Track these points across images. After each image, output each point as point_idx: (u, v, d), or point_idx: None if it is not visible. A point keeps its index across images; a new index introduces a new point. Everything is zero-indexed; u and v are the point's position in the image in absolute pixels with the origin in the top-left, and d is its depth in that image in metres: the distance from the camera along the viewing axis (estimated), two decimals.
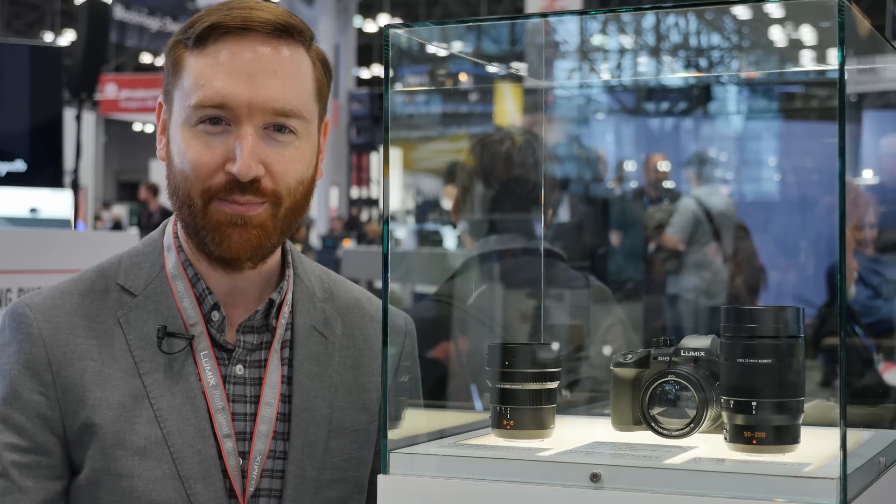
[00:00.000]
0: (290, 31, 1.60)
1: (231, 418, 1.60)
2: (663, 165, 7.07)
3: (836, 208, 1.19)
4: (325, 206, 23.32)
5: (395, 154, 1.45)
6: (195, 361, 1.61)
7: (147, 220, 13.20)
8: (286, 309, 1.67)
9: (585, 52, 1.81)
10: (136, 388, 1.57)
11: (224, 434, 1.59)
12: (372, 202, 25.86)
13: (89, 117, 23.32)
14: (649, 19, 1.57)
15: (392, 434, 1.32)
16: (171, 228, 1.69)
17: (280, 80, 1.57)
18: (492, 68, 1.75)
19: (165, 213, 12.93)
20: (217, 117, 1.57)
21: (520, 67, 1.79)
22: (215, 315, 1.63)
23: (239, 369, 1.63)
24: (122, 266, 1.66)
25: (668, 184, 7.13)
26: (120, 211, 22.14)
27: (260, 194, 1.57)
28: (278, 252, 1.69)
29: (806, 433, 1.28)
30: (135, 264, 1.66)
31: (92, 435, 1.55)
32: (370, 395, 1.70)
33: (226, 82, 1.56)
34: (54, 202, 6.36)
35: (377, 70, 29.74)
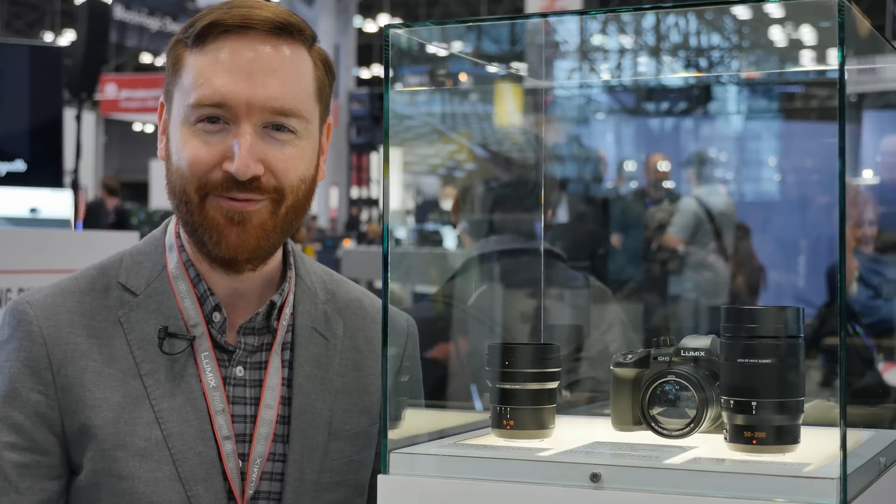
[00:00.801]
0: (291, 30, 1.59)
1: (231, 420, 1.60)
2: (663, 165, 7.07)
3: (830, 207, 1.20)
4: (326, 206, 23.32)
5: (396, 154, 1.44)
6: (196, 362, 1.60)
7: (104, 220, 13.05)
8: (287, 310, 1.66)
9: (585, 52, 1.81)
10: (136, 389, 1.57)
11: (223, 436, 1.58)
12: (372, 202, 25.85)
13: (89, 117, 23.32)
14: (649, 19, 1.57)
15: (392, 434, 1.32)
16: (173, 228, 1.68)
17: (279, 79, 1.56)
18: (492, 68, 1.75)
19: (121, 213, 12.76)
20: (216, 116, 1.56)
21: (520, 67, 1.79)
22: (216, 316, 1.62)
23: (239, 371, 1.62)
24: (124, 264, 1.66)
25: (668, 184, 7.13)
26: None
27: (260, 191, 1.57)
28: (279, 253, 1.67)
29: (806, 433, 1.28)
30: (136, 263, 1.66)
31: (91, 436, 1.55)
32: (371, 397, 1.69)
33: (225, 81, 1.55)
34: (54, 202, 6.36)
35: (377, 70, 29.74)
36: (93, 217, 11.73)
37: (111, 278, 1.64)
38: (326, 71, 1.65)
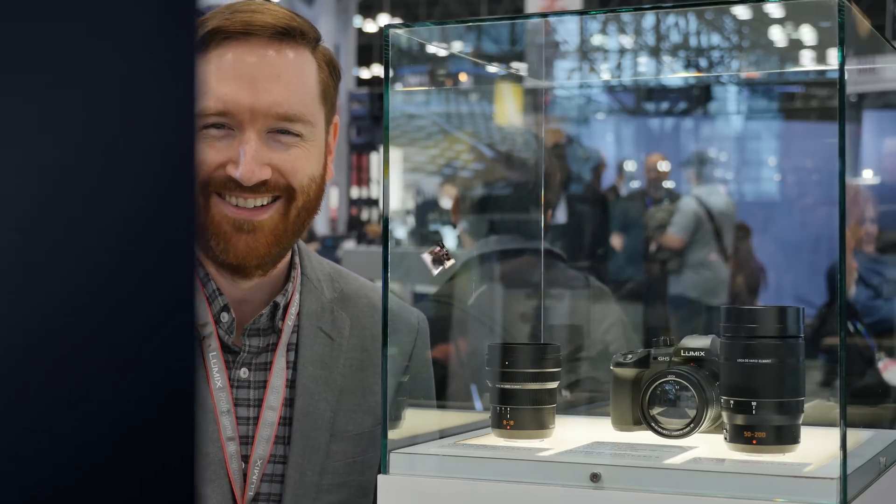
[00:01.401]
0: (293, 34, 1.58)
1: (235, 422, 1.60)
2: (663, 165, 7.07)
3: (830, 207, 1.20)
4: (325, 206, 23.32)
5: (396, 154, 1.44)
6: (204, 363, 1.60)
7: None
8: (293, 309, 1.65)
9: (585, 52, 1.81)
10: None
11: (228, 437, 1.58)
12: (372, 202, 25.84)
13: None
14: (649, 19, 1.58)
15: (392, 434, 1.32)
16: None
17: (283, 85, 1.56)
18: (492, 68, 1.75)
19: None
20: (220, 123, 1.55)
21: (520, 67, 1.79)
22: (224, 317, 1.61)
23: (243, 373, 1.61)
24: None
25: (668, 184, 7.14)
26: None
27: (268, 192, 1.56)
28: (287, 254, 1.67)
29: (806, 433, 1.28)
30: None
31: None
32: (376, 397, 1.68)
33: (227, 89, 1.54)
34: None
35: (377, 70, 29.68)
36: None
37: None
38: (331, 71, 1.64)
